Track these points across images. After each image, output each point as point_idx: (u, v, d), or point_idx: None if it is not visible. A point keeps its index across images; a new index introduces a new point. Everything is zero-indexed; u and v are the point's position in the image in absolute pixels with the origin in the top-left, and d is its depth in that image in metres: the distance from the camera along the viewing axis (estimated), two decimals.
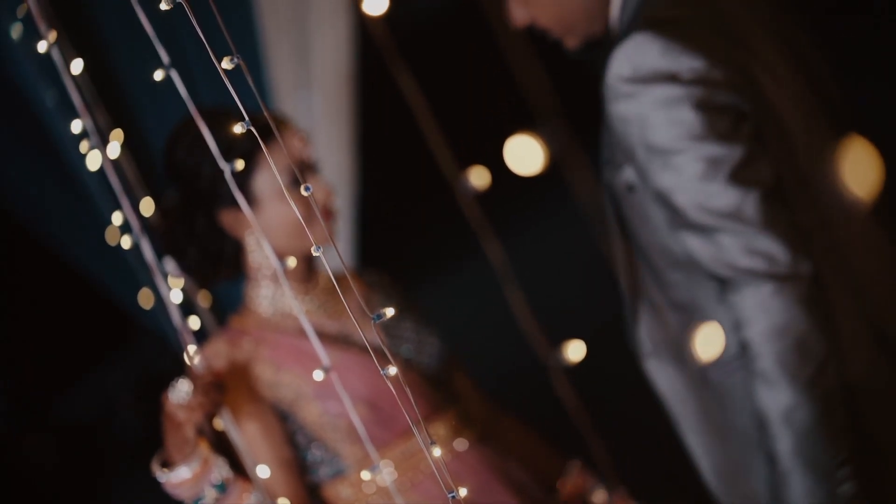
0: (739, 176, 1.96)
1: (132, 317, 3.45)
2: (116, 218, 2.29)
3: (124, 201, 2.23)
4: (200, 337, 3.25)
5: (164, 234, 2.51)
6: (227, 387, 2.35)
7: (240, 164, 1.98)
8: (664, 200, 2.01)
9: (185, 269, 2.51)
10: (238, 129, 1.76)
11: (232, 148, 2.36)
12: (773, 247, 1.94)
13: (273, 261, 2.03)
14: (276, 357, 2.42)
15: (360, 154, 3.51)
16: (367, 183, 3.59)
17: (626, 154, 2.06)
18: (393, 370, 1.61)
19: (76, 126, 2.21)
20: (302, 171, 2.42)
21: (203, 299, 3.23)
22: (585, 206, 2.31)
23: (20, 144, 3.27)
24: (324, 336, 2.47)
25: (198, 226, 2.45)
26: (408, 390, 1.67)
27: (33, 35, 2.85)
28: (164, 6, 1.74)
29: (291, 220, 2.40)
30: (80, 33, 2.68)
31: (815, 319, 1.95)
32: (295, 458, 2.40)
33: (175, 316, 2.27)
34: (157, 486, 2.28)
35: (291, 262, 2.00)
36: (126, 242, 2.48)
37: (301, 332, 2.44)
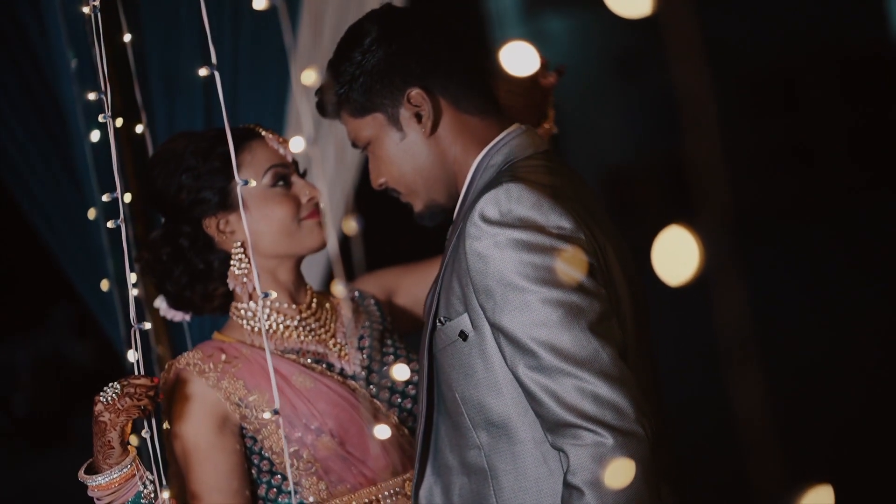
0: (597, 329, 1.98)
1: (78, 302, 3.38)
2: (128, 196, 2.24)
3: (119, 184, 2.19)
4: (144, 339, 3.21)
5: (151, 264, 2.45)
6: (183, 399, 2.30)
7: (252, 182, 1.95)
8: (514, 342, 2.00)
9: (176, 298, 2.45)
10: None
11: (211, 153, 2.36)
12: (621, 401, 1.95)
13: (257, 285, 1.98)
14: (248, 376, 2.35)
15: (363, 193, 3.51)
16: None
17: (469, 299, 2.06)
18: (385, 432, 1.56)
19: (93, 95, 2.19)
20: (285, 172, 2.40)
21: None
22: None
23: (22, 101, 3.23)
24: (303, 357, 2.41)
25: (183, 240, 2.41)
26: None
27: None
28: (259, 5, 1.72)
29: (279, 219, 2.37)
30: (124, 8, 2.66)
31: (650, 479, 1.96)
32: (245, 488, 2.33)
33: (133, 312, 2.21)
34: (38, 466, 2.21)
35: (273, 294, 1.96)
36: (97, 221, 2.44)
37: (280, 353, 2.39)
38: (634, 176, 16.40)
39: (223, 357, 2.37)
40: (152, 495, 2.17)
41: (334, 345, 2.46)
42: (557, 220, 2.01)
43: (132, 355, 3.11)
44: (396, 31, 2.20)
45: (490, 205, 2.02)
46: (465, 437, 2.15)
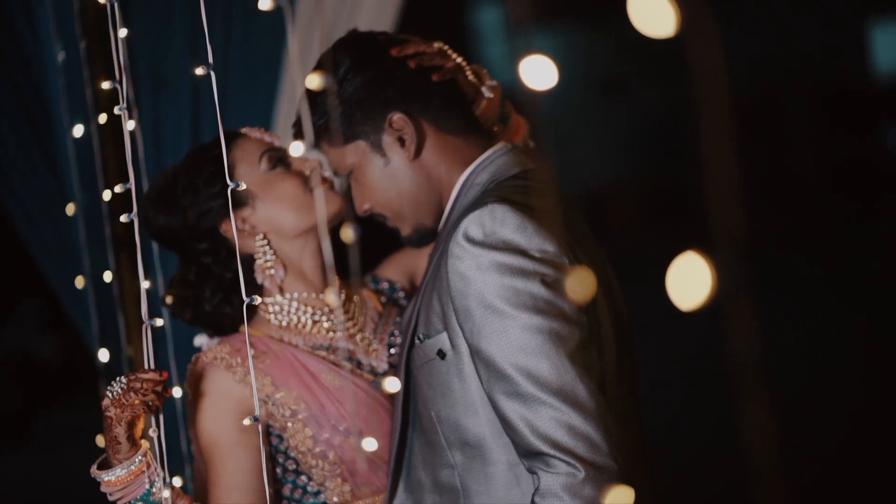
0: (576, 357, 1.97)
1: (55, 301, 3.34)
2: (107, 195, 2.21)
3: (132, 174, 2.15)
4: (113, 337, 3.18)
5: (180, 296, 2.41)
6: (205, 394, 2.26)
7: (242, 185, 1.93)
8: (491, 366, 1.99)
9: (215, 321, 2.40)
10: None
11: (200, 164, 2.36)
12: (595, 434, 1.94)
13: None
14: (277, 373, 2.32)
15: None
16: None
17: (448, 318, 2.06)
18: (372, 445, 1.54)
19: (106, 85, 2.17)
20: (279, 155, 2.39)
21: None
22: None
23: (5, 92, 3.20)
24: (333, 353, 2.38)
25: (204, 258, 2.37)
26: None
27: None
28: (264, 6, 1.70)
29: (291, 194, 2.35)
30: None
31: None
32: (268, 487, 2.29)
33: (146, 308, 2.16)
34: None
35: (258, 299, 1.94)
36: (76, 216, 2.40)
37: (310, 349, 2.36)
38: (614, 198, 16.46)
39: (251, 352, 2.34)
40: (161, 493, 2.12)
41: (361, 339, 2.43)
42: (541, 243, 2.00)
43: (104, 355, 3.10)
44: (370, 57, 2.19)
45: (474, 225, 2.01)
46: (439, 456, 2.14)
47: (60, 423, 9.26)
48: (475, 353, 2.02)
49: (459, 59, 2.28)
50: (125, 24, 2.19)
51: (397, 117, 2.15)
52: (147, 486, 2.11)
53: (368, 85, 2.17)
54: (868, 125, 16.59)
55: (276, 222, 2.35)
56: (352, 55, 2.18)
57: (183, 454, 2.83)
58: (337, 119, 2.18)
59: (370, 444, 2.12)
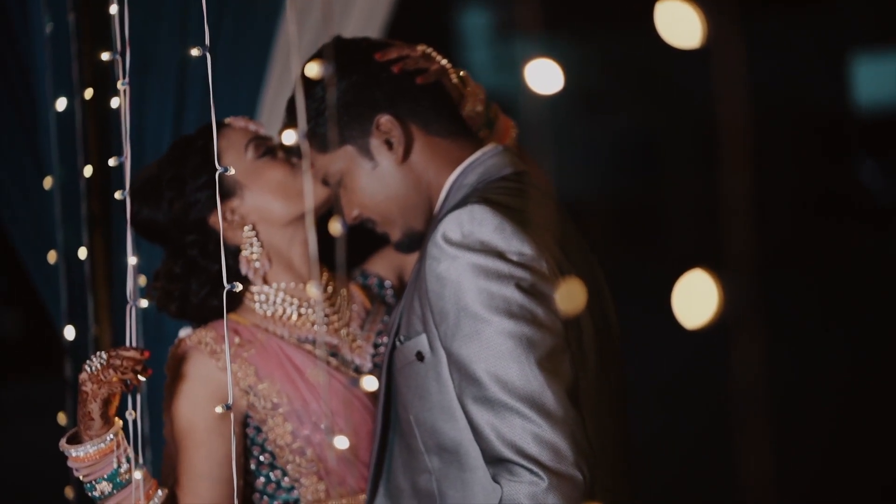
0: (546, 364, 1.96)
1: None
2: (88, 170, 2.19)
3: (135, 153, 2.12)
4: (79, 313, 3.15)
5: (166, 289, 2.37)
6: (185, 378, 2.23)
7: (231, 170, 1.93)
8: (462, 370, 1.99)
9: (201, 313, 2.36)
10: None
11: (185, 155, 2.34)
12: (561, 442, 1.94)
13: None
14: (261, 363, 2.29)
15: None
16: None
17: (427, 320, 2.06)
18: (344, 443, 1.51)
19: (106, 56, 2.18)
20: (266, 144, 2.37)
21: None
22: None
23: None
24: (318, 348, 2.35)
25: (191, 250, 2.34)
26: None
27: None
28: None
29: (280, 181, 2.33)
30: None
31: None
32: (239, 478, 2.25)
33: (132, 285, 2.13)
34: None
35: (239, 286, 1.93)
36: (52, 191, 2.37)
37: (296, 342, 2.34)
38: (593, 212, 16.49)
39: (237, 340, 2.31)
40: (128, 475, 2.10)
41: (347, 335, 2.41)
42: (519, 245, 1.99)
43: (70, 332, 3.07)
44: (354, 60, 2.18)
45: (453, 225, 2.01)
46: (418, 461, 2.13)
47: (17, 396, 9.20)
48: (448, 355, 2.01)
49: (444, 62, 2.27)
50: (115, 1, 2.17)
51: (385, 119, 2.14)
52: (115, 466, 2.09)
53: (354, 88, 2.16)
54: (846, 157, 16.71)
55: (264, 211, 2.33)
56: (336, 59, 2.16)
57: (144, 437, 2.81)
58: (322, 125, 2.17)
59: (342, 443, 2.11)
